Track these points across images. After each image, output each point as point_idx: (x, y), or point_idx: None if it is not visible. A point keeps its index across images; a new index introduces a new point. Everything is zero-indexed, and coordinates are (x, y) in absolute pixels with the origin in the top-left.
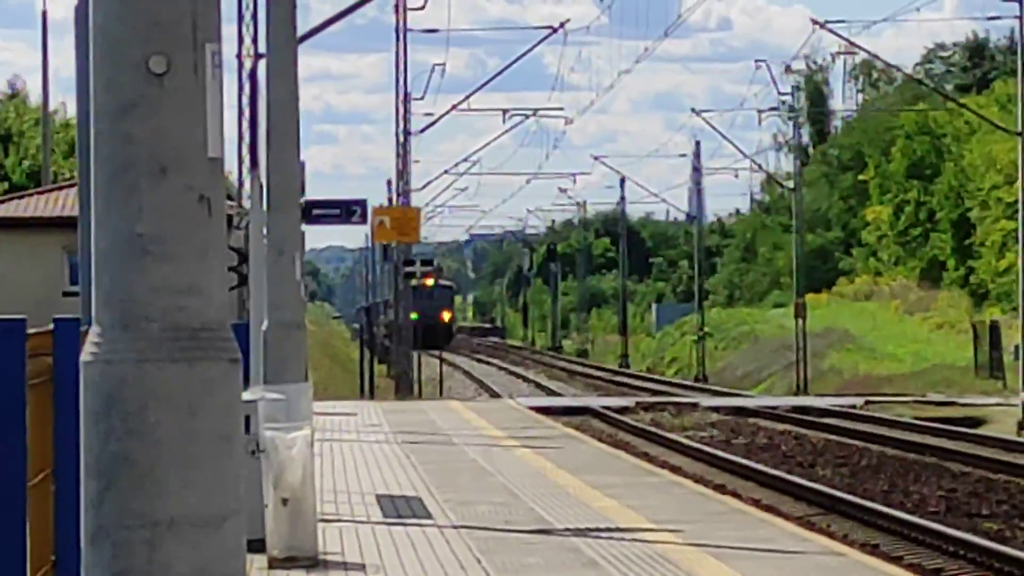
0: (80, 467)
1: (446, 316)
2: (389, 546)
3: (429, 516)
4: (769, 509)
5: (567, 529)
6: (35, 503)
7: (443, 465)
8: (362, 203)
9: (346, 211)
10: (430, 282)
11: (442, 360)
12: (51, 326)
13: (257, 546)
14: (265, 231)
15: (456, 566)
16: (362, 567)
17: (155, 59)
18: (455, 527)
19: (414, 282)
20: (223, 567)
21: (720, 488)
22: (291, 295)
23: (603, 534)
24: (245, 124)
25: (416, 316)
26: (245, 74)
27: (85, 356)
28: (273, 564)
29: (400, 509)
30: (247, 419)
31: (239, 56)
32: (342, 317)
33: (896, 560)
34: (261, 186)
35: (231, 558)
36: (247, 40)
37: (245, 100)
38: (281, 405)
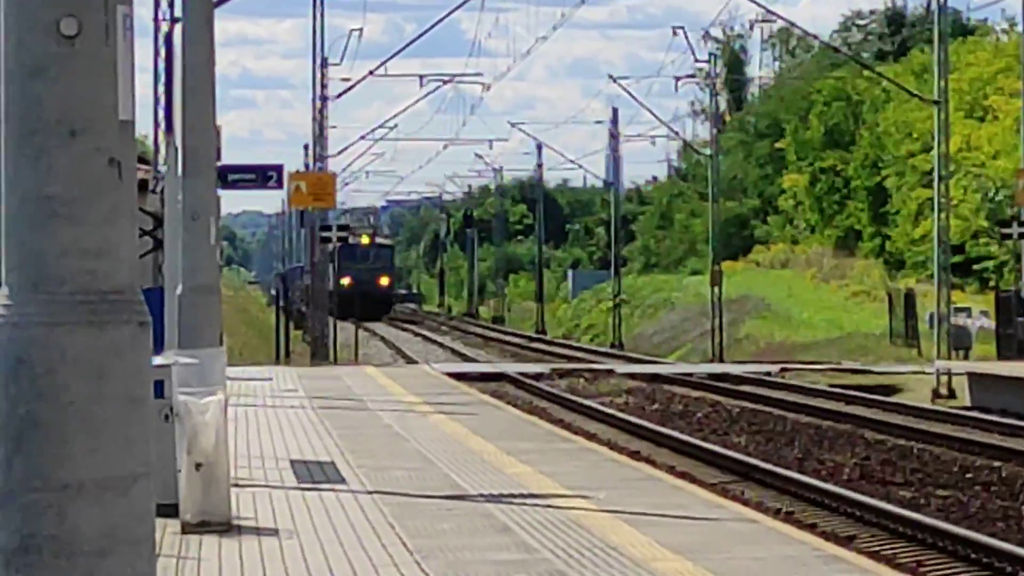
0: None
1: (384, 281)
2: (302, 511)
3: (343, 481)
4: (683, 476)
5: (481, 495)
6: None
7: (358, 430)
8: (278, 168)
9: (262, 176)
10: (366, 240)
11: (358, 326)
12: None
13: (170, 511)
14: (180, 195)
15: (369, 531)
16: (275, 532)
17: (66, 21)
18: (369, 492)
19: (348, 240)
20: (132, 530)
21: (635, 455)
22: (206, 260)
23: (517, 500)
24: (161, 88)
25: (348, 281)
26: (161, 38)
27: None
28: (186, 529)
29: (314, 474)
30: (161, 384)
31: (155, 20)
32: (259, 283)
33: (810, 527)
34: (176, 150)
35: (140, 521)
36: (163, 3)
37: (161, 64)
38: (195, 370)
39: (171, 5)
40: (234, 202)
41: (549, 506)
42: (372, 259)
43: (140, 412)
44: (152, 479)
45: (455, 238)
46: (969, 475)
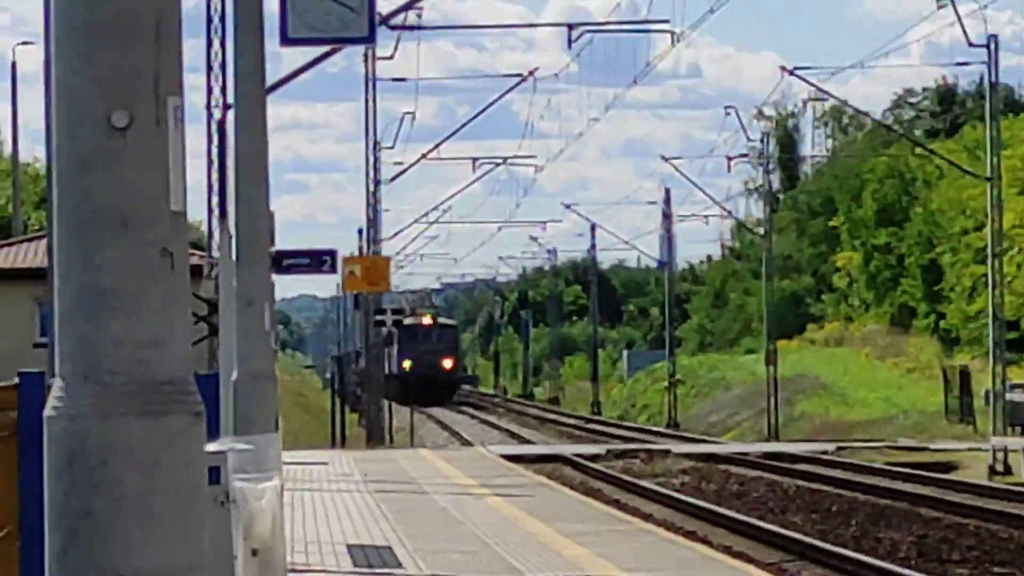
0: (44, 522)
1: (448, 363)
2: None
3: (399, 565)
4: (740, 556)
5: None
6: (0, 558)
7: (414, 514)
8: (332, 253)
9: (316, 261)
10: (428, 321)
11: (413, 409)
12: (16, 380)
13: None
14: (234, 282)
15: None
16: None
17: (117, 113)
18: None
19: (406, 321)
20: None
21: (691, 535)
22: (261, 346)
23: None
24: (215, 174)
25: (410, 364)
26: (214, 124)
27: (48, 411)
28: None
29: (371, 559)
30: (216, 470)
31: (208, 106)
32: (314, 367)
33: None
34: (230, 236)
35: None
36: (216, 90)
37: (215, 150)
38: (250, 455)
39: (223, 91)
40: (289, 286)
41: None
42: (435, 339)
43: (195, 502)
44: (207, 569)
45: (509, 320)
46: None
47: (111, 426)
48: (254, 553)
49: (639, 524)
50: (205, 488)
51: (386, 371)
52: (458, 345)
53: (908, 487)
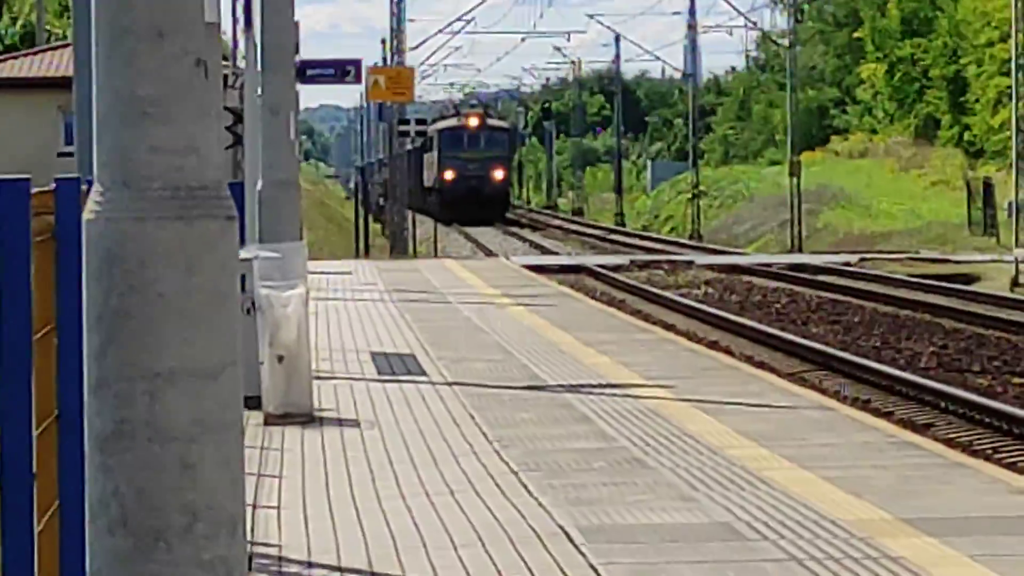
0: (82, 322)
1: (499, 175)
2: (383, 402)
3: (423, 373)
4: (761, 365)
5: (559, 385)
6: (39, 356)
7: (437, 323)
8: (356, 63)
9: (340, 71)
10: (475, 122)
11: (437, 219)
12: (53, 185)
13: (253, 403)
14: (259, 91)
15: (449, 421)
16: (356, 423)
17: None
18: (449, 384)
19: (448, 123)
20: (221, 416)
21: (713, 345)
22: (285, 155)
23: (595, 390)
24: None
25: (452, 176)
26: None
27: (87, 214)
28: (269, 420)
29: (394, 366)
30: (243, 277)
31: None
32: (338, 177)
33: (887, 415)
34: (256, 46)
35: (228, 407)
36: None
37: None
38: (276, 263)
39: None
40: (312, 96)
41: (627, 395)
42: (484, 145)
43: (228, 304)
44: (240, 367)
45: (533, 131)
46: None
47: (148, 229)
48: (280, 359)
49: (661, 333)
50: (238, 291)
51: (425, 183)
52: (512, 152)
53: (930, 298)
